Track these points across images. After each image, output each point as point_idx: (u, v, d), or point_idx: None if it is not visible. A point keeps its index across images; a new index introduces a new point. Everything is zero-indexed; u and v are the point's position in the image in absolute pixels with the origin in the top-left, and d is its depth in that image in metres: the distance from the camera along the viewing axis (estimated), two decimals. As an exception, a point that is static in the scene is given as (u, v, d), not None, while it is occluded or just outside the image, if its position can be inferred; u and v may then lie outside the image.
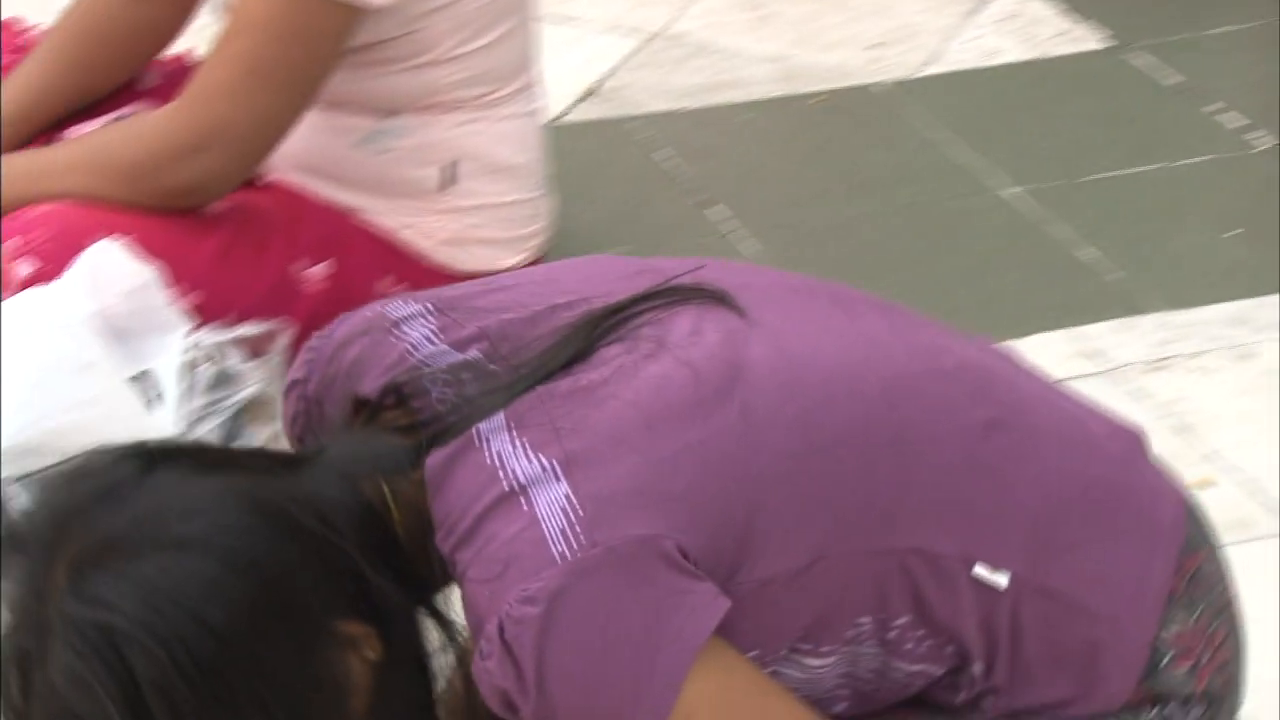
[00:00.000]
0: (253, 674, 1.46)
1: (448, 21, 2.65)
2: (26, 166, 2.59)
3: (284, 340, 2.47)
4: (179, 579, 1.45)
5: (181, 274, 2.55)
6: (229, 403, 2.34)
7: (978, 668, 1.70)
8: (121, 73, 2.84)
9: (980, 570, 1.65)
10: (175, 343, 2.41)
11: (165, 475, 1.53)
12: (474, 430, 1.56)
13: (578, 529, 1.50)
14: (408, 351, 1.64)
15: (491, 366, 1.61)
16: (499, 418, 1.56)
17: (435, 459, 1.57)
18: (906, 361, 1.67)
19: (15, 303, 2.37)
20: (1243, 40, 3.72)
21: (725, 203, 3.30)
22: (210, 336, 2.44)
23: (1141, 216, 3.25)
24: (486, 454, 1.55)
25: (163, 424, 2.32)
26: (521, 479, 1.52)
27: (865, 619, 1.65)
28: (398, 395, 1.62)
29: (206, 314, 2.52)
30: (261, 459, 1.60)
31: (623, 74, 3.65)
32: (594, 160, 3.43)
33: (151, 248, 2.52)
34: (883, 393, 1.64)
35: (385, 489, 1.57)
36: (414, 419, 1.61)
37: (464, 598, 1.55)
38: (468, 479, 1.54)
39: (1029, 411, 1.72)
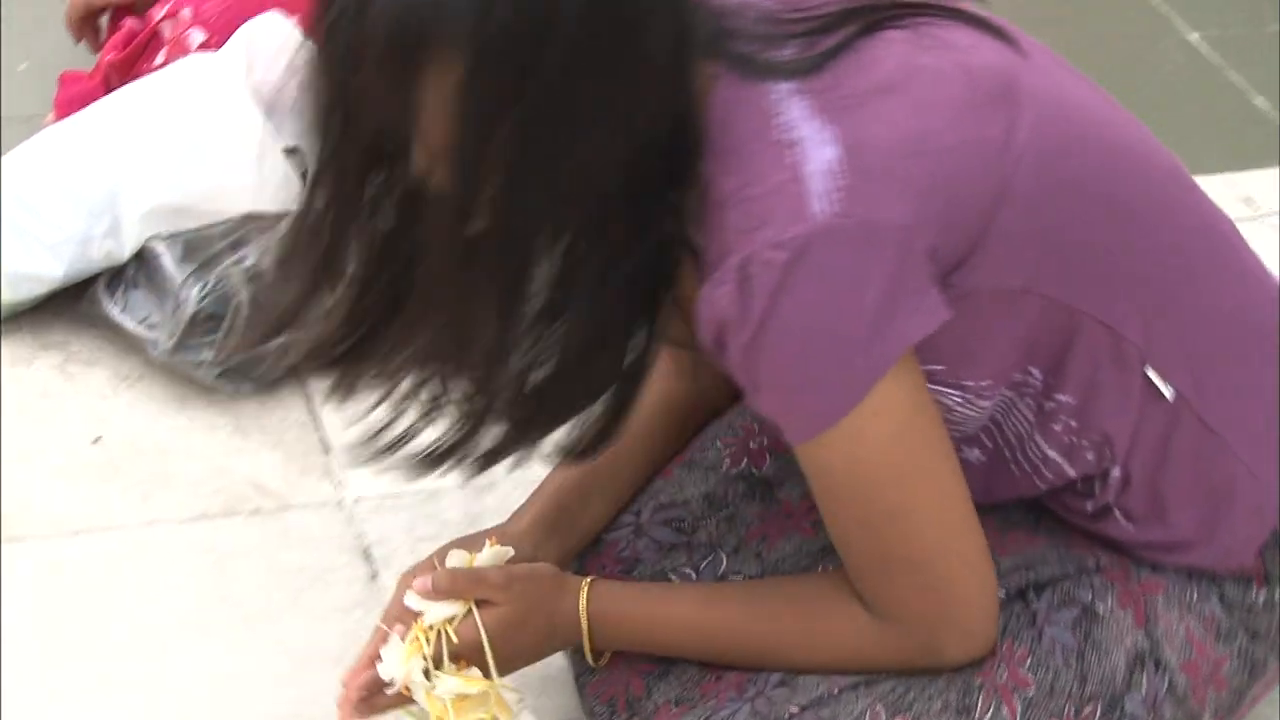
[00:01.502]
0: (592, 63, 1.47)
1: None
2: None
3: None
4: None
5: (345, 55, 2.60)
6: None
7: (1116, 474, 1.73)
8: None
9: (1151, 373, 1.68)
10: (331, 120, 2.47)
11: None
12: (763, 82, 1.58)
13: (840, 194, 1.52)
14: None
15: (785, 17, 1.62)
16: (788, 80, 1.58)
17: (725, 93, 1.57)
18: (1149, 149, 1.72)
19: (180, 67, 2.45)
20: None
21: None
22: (364, 116, 2.49)
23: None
24: (770, 103, 1.57)
25: (311, 196, 2.38)
26: (797, 135, 1.55)
27: (1037, 371, 1.67)
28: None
29: (366, 95, 2.58)
30: None
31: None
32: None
33: (319, 27, 2.58)
34: (1140, 159, 1.68)
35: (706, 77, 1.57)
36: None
37: (709, 227, 1.56)
38: (749, 119, 1.56)
39: (1219, 234, 1.75)
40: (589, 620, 1.77)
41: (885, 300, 1.53)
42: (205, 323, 2.29)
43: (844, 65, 1.59)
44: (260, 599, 2.10)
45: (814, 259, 1.51)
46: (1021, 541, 1.79)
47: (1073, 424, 1.70)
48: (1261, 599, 1.77)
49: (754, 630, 1.74)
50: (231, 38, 2.45)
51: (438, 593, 1.74)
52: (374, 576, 2.13)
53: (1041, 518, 1.80)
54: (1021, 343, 1.65)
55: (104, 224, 2.36)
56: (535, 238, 1.53)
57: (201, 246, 2.32)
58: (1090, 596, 1.74)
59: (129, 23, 2.63)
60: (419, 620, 1.73)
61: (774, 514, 1.90)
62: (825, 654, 1.71)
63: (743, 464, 1.93)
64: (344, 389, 1.65)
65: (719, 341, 1.57)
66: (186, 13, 2.56)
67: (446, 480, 1.71)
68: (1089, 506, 1.76)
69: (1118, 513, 1.75)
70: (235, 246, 2.33)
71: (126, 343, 2.38)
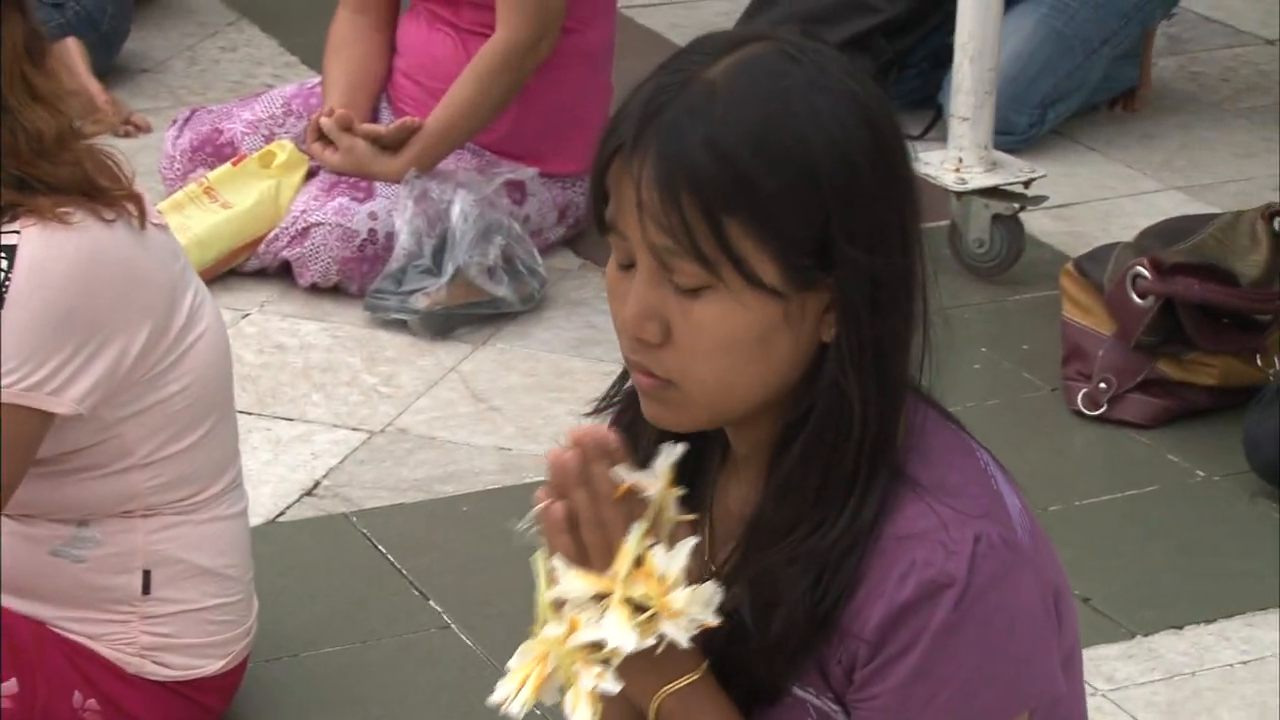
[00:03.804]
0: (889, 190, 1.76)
1: (143, 427, 2.63)
2: None
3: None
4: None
5: None
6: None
7: None
8: None
9: None
10: None
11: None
12: (960, 429, 1.84)
13: (1029, 539, 1.79)
14: None
15: None
16: (970, 437, 1.85)
17: (924, 410, 1.80)
18: None
19: None
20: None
21: (441, 595, 3.28)
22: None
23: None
24: (968, 441, 1.83)
25: None
26: (994, 475, 1.81)
27: None
28: None
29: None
30: None
31: (346, 469, 3.65)
32: (313, 558, 3.39)
33: None
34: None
35: None
36: None
37: (903, 497, 1.75)
38: (952, 440, 1.81)
39: None
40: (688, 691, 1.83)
41: (1046, 645, 1.77)
42: None
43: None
44: None
45: (1023, 572, 1.75)
46: None
47: None
48: None
49: None
50: None
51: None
52: None
53: None
54: None
55: None
56: None
57: None
58: None
59: None
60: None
61: None
62: None
63: None
64: None
65: (922, 593, 1.72)
66: None
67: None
68: None
69: None
70: None
71: None
